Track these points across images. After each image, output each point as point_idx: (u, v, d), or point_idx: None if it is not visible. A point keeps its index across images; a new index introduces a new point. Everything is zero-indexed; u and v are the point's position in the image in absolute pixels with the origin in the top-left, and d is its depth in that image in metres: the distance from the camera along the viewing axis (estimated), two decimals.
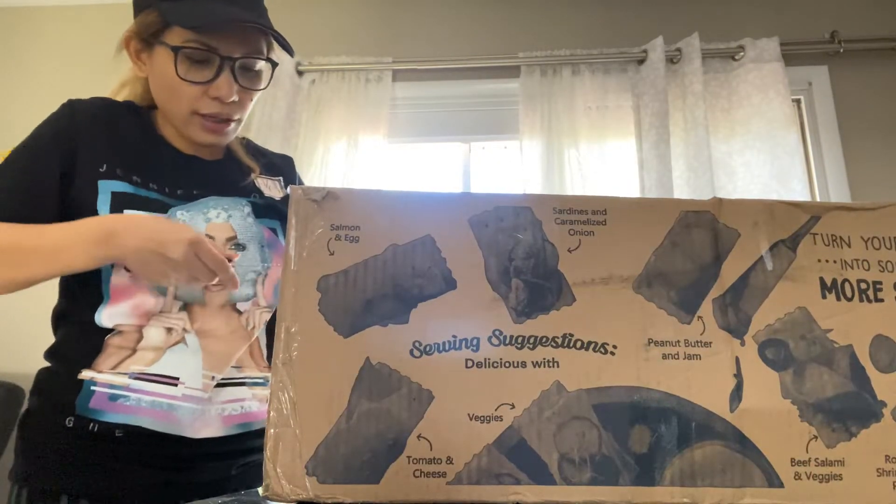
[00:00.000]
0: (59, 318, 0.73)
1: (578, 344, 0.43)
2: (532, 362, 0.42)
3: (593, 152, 1.59)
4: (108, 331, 0.68)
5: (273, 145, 1.54)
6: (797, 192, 1.49)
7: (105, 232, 0.62)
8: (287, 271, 0.45)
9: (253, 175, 0.82)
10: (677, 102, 1.59)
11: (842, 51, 1.67)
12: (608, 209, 0.47)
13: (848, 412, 0.43)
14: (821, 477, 0.41)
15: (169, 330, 0.69)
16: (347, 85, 1.76)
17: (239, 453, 0.73)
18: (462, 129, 1.83)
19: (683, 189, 1.53)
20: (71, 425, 0.65)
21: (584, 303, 0.44)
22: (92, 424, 0.65)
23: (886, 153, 1.64)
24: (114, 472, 0.65)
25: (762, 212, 0.47)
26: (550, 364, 0.42)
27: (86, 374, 0.67)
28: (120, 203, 0.69)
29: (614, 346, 0.43)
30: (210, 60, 0.71)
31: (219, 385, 0.71)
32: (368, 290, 0.44)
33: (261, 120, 1.69)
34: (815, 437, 0.42)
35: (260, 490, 0.41)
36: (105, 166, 0.70)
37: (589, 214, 0.47)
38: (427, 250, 0.45)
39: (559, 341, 0.43)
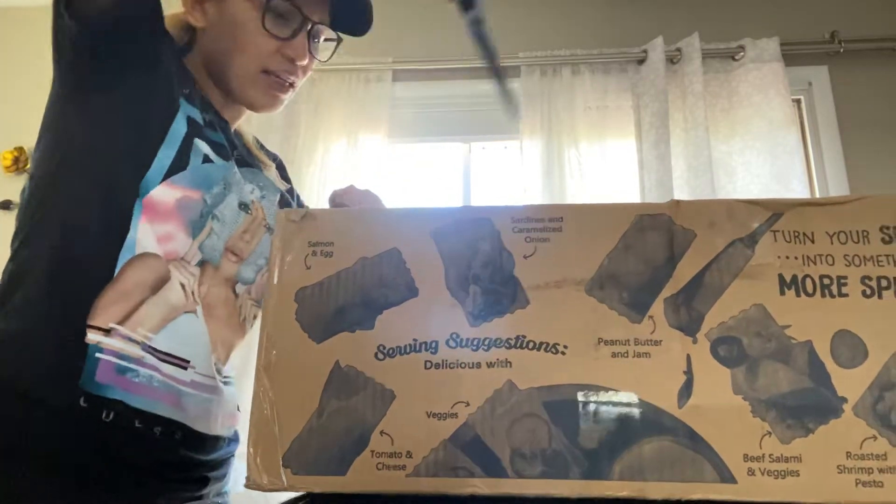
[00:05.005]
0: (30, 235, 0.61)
1: (530, 345, 0.45)
2: (486, 363, 0.45)
3: (593, 152, 1.58)
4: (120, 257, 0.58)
5: (273, 145, 1.57)
6: (797, 191, 1.46)
7: None
8: (270, 284, 0.50)
9: (265, 169, 0.79)
10: (677, 102, 1.57)
11: (842, 51, 1.64)
12: (564, 216, 0.49)
13: (804, 408, 0.43)
14: (776, 473, 0.42)
15: (183, 287, 0.62)
16: (347, 85, 1.76)
17: (224, 462, 0.70)
18: (462, 129, 1.84)
19: (683, 189, 1.51)
20: (85, 405, 0.53)
21: (538, 306, 0.46)
22: (105, 413, 0.54)
23: (886, 153, 1.58)
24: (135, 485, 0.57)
25: (719, 212, 0.48)
26: (503, 364, 0.45)
27: (92, 338, 0.55)
28: (192, 133, 0.63)
29: (565, 346, 0.45)
30: (292, 18, 0.68)
31: (224, 383, 0.68)
32: (339, 300, 0.48)
33: (260, 120, 1.74)
34: (769, 433, 0.42)
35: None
36: (188, 90, 0.66)
37: (546, 222, 0.49)
38: (393, 262, 0.49)
39: (512, 342, 0.45)
